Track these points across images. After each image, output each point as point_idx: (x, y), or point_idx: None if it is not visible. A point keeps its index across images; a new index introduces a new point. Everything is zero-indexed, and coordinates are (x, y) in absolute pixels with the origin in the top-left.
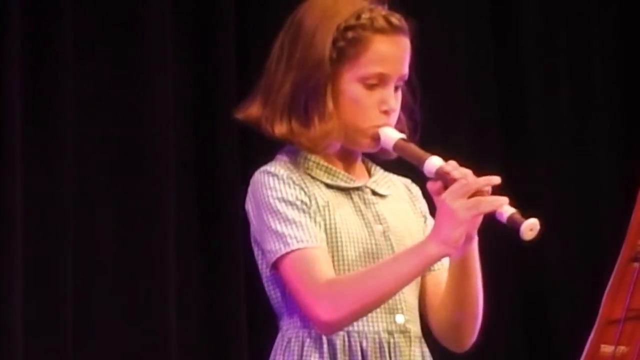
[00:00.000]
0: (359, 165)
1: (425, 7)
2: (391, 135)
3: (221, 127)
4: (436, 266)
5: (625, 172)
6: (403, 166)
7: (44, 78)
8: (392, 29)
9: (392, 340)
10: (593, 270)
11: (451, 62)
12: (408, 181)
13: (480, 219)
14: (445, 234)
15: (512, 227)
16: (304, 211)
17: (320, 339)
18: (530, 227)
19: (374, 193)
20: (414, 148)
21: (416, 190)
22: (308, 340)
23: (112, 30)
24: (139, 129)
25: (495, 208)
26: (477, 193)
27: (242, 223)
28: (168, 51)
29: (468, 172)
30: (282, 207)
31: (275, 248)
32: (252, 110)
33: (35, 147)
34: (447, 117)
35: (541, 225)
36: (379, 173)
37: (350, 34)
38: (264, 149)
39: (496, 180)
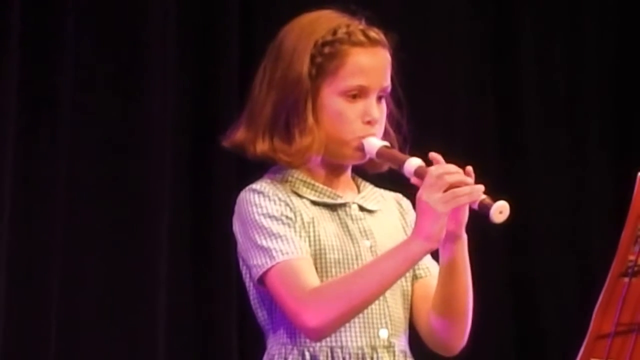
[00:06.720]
0: (347, 181)
1: (425, 23)
2: (374, 143)
3: (218, 138)
4: (423, 273)
5: (619, 186)
6: (396, 181)
7: (43, 93)
8: (369, 42)
9: (375, 356)
10: (585, 281)
11: (450, 76)
12: (399, 195)
13: (465, 216)
14: (426, 230)
15: (482, 212)
16: (289, 225)
17: (303, 354)
18: (499, 210)
19: (362, 209)
20: (395, 153)
21: (407, 204)
22: (291, 356)
23: (113, 47)
24: (136, 138)
25: (473, 199)
26: (454, 185)
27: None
28: (169, 67)
29: (449, 167)
30: (267, 222)
31: (261, 262)
32: (237, 135)
33: (29, 158)
34: (445, 129)
35: (536, 233)
36: (367, 189)
37: (327, 49)
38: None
39: (470, 171)
